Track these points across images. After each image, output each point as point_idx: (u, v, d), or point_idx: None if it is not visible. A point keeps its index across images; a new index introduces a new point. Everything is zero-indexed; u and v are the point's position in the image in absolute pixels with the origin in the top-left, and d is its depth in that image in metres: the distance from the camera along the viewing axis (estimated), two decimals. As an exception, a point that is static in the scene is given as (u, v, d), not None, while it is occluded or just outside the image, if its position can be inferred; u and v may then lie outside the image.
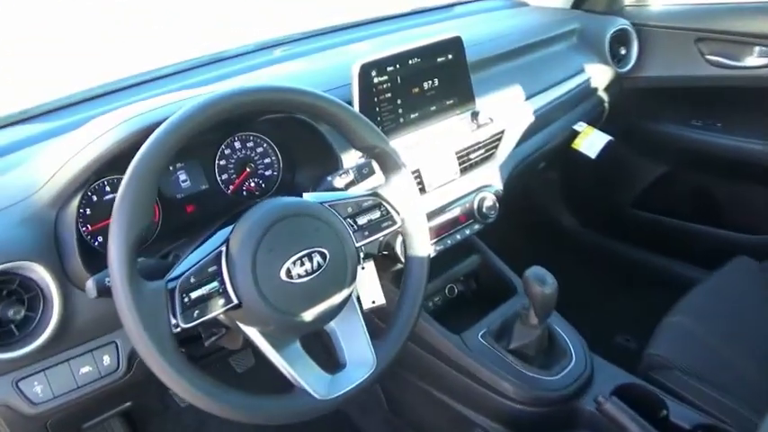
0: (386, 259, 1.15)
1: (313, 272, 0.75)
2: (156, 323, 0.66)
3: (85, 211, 0.90)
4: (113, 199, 0.95)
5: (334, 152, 1.05)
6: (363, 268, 1.02)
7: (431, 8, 1.81)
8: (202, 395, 0.68)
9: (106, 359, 0.85)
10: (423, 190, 1.17)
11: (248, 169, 1.09)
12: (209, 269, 0.72)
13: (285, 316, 0.73)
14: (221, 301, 0.71)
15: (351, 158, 1.05)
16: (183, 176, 1.04)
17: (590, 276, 1.90)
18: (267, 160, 1.12)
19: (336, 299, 0.78)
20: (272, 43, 1.51)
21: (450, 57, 1.18)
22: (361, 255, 0.99)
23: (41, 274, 0.77)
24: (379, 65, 1.08)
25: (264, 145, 1.11)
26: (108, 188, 0.95)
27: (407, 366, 1.30)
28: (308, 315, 0.75)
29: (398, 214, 0.88)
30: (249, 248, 0.72)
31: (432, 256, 1.22)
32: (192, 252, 0.73)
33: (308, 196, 0.83)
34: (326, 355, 0.86)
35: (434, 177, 1.18)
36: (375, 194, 0.87)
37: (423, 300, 0.89)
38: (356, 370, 0.81)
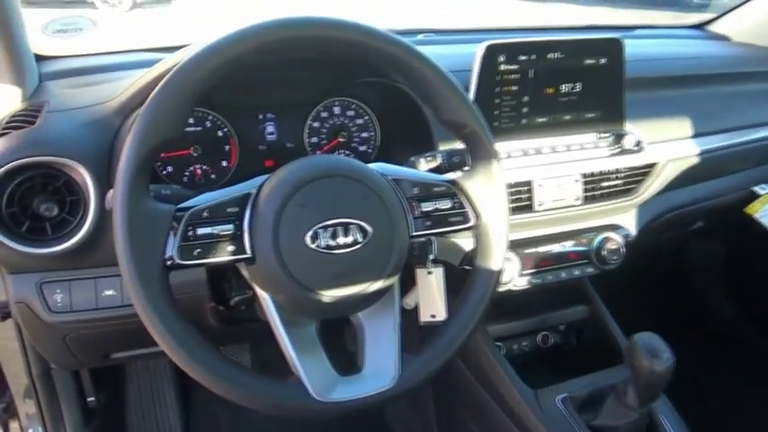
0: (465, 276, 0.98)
1: (346, 246, 0.62)
2: (147, 247, 0.58)
3: None
4: (192, 132, 0.98)
5: (432, 136, 0.91)
6: (431, 273, 0.87)
7: (607, 26, 1.59)
8: (175, 344, 0.58)
9: None
10: (529, 207, 0.98)
11: (341, 138, 1.00)
12: (229, 209, 0.62)
13: (299, 286, 0.61)
14: (231, 248, 0.61)
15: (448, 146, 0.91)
16: (270, 128, 0.97)
17: (729, 374, 1.51)
18: (364, 134, 1.02)
19: (368, 287, 0.64)
20: (418, 31, 1.42)
21: (603, 61, 0.98)
22: (432, 254, 0.85)
23: (86, 178, 0.73)
24: (510, 50, 0.92)
25: (366, 117, 1.01)
26: (191, 120, 0.92)
27: (465, 403, 1.11)
28: (329, 295, 0.62)
29: (475, 213, 0.71)
30: (279, 196, 0.61)
31: (526, 289, 1.04)
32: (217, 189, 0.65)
33: (372, 165, 0.70)
34: (347, 358, 0.72)
35: (548, 196, 0.99)
36: (452, 182, 0.72)
37: (477, 326, 0.71)
38: (371, 379, 0.66)
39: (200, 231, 0.60)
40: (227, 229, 0.62)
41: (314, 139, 0.99)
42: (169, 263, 0.59)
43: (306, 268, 0.62)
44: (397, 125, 0.99)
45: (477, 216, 0.71)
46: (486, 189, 0.72)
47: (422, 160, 0.81)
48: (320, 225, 0.62)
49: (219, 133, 0.94)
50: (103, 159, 0.76)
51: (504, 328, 1.10)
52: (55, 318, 0.78)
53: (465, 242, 0.98)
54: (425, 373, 0.67)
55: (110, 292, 0.79)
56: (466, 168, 0.78)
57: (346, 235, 0.62)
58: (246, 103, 0.95)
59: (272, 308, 0.65)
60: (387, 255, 0.65)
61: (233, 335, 1.09)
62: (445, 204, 0.70)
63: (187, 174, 0.93)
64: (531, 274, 1.02)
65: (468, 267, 0.99)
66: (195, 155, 0.92)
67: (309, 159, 0.67)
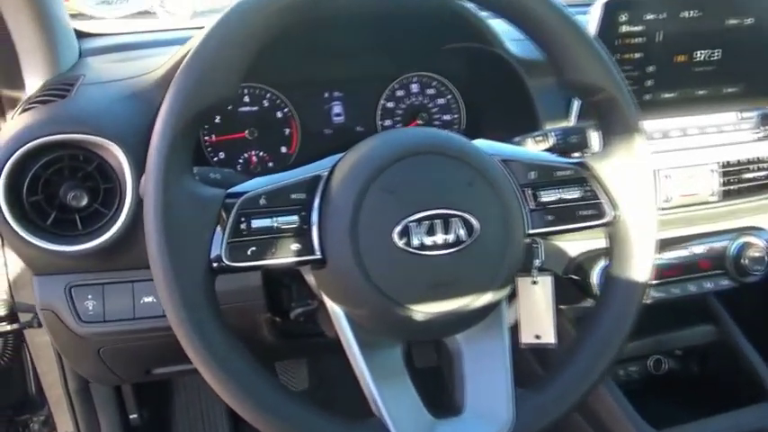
0: (570, 288, 0.81)
1: (446, 246, 0.46)
2: (187, 244, 0.44)
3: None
4: (248, 112, 0.84)
5: (536, 114, 0.74)
6: (536, 282, 0.69)
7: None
8: (223, 374, 0.44)
9: None
10: (654, 203, 0.79)
11: (420, 121, 0.84)
12: (294, 195, 0.47)
13: (383, 298, 0.46)
14: (295, 246, 0.46)
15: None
16: (337, 109, 0.83)
17: None
18: (447, 116, 0.86)
19: (473, 302, 0.48)
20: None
21: (749, 21, 0.78)
22: (538, 259, 0.67)
23: (122, 162, 0.60)
24: (634, 7, 0.74)
25: (449, 96, 0.85)
26: (246, 98, 0.78)
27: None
28: (421, 310, 0.46)
29: (612, 204, 0.54)
30: (360, 179, 0.46)
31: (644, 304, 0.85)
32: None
33: (477, 142, 0.54)
34: (442, 393, 0.56)
35: (677, 190, 0.80)
36: (582, 165, 0.55)
37: (617, 354, 0.54)
38: (476, 423, 0.50)
39: (256, 224, 0.46)
40: (291, 221, 0.47)
41: (387, 122, 0.84)
42: (216, 264, 0.44)
43: (393, 274, 0.46)
44: (487, 104, 0.83)
45: (615, 208, 0.54)
46: (626, 173, 0.54)
47: (529, 140, 0.64)
48: (413, 217, 0.46)
49: (279, 114, 0.80)
50: (144, 140, 0.62)
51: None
52: (87, 329, 0.65)
53: (570, 246, 0.80)
54: (550, 418, 0.50)
55: (149, 299, 0.66)
56: (592, 151, 0.61)
57: (446, 231, 0.46)
58: (310, 79, 0.80)
59: (347, 325, 0.49)
60: (498, 259, 0.48)
61: (291, 350, 0.95)
62: (572, 193, 0.53)
63: (241, 161, 0.79)
64: (652, 285, 0.83)
65: (574, 277, 0.81)
66: (251, 138, 0.78)
67: (397, 132, 0.52)
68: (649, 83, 0.78)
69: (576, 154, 0.62)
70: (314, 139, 0.81)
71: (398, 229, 0.46)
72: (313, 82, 0.81)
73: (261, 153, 0.80)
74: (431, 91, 0.85)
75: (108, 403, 0.97)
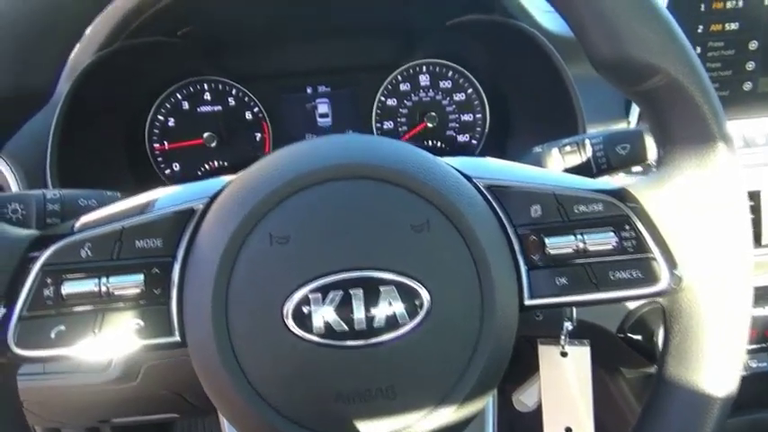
0: (627, 351, 0.58)
1: (370, 332, 0.28)
2: None
3: None
4: (208, 113, 0.62)
5: (576, 113, 0.53)
6: (565, 354, 0.49)
7: None
8: None
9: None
10: (756, 237, 0.55)
11: (429, 123, 0.65)
12: (141, 242, 0.30)
13: (271, 414, 0.28)
14: (136, 323, 0.29)
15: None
16: (322, 108, 0.66)
17: None
18: (467, 117, 0.67)
19: (419, 423, 0.29)
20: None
21: None
22: (570, 322, 0.46)
23: None
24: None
25: (469, 90, 0.66)
26: (206, 95, 0.63)
27: None
28: None
29: (672, 264, 0.32)
30: (235, 220, 0.29)
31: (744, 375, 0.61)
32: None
33: (449, 160, 0.34)
34: None
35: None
36: (621, 194, 0.33)
37: None
38: None
39: (71, 289, 0.29)
40: (132, 282, 0.30)
41: (388, 124, 0.66)
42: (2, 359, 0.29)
43: (282, 377, 0.28)
44: (516, 100, 0.63)
45: (675, 266, 0.32)
46: (697, 209, 0.32)
47: (554, 151, 0.44)
48: (315, 283, 0.28)
49: (248, 115, 0.64)
50: None
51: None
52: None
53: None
54: None
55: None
56: (647, 167, 0.39)
57: (371, 307, 0.28)
58: (287, 69, 0.64)
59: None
60: (462, 354, 0.29)
61: None
62: (602, 241, 0.32)
63: (200, 174, 0.64)
64: (755, 350, 0.60)
65: (634, 337, 0.59)
66: (211, 146, 0.63)
67: (313, 143, 0.33)
68: (750, 66, 0.54)
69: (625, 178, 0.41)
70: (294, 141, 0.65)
71: (292, 302, 0.28)
72: (291, 73, 0.64)
73: (225, 164, 0.64)
74: (445, 84, 0.66)
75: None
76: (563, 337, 0.48)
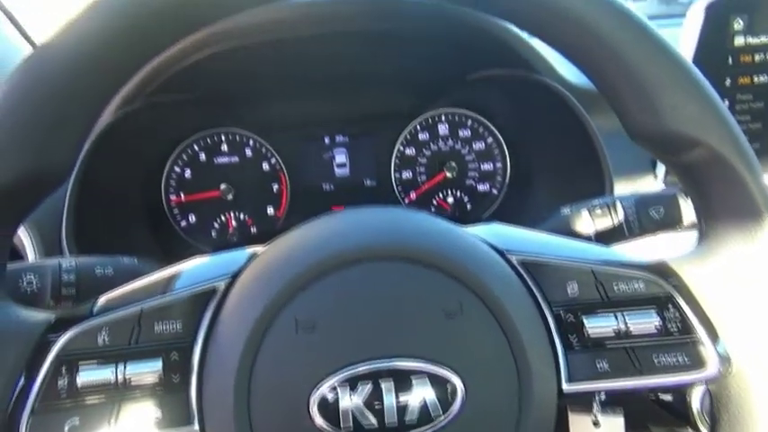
0: (659, 412, 0.56)
1: (402, 427, 0.26)
2: None
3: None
4: (225, 164, 0.60)
5: (603, 167, 0.52)
6: (597, 424, 0.46)
7: None
8: None
9: None
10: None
11: (448, 173, 0.64)
12: (160, 326, 0.29)
13: None
14: (156, 413, 0.28)
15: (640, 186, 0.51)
16: (340, 158, 0.65)
17: None
18: (487, 166, 0.65)
19: None
20: None
21: None
22: (600, 394, 0.44)
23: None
24: (757, 8, 0.50)
25: (489, 139, 0.65)
26: (224, 146, 0.63)
27: None
28: None
29: (721, 350, 0.30)
30: (260, 305, 0.27)
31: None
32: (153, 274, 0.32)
33: (479, 230, 0.33)
34: None
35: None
36: (662, 270, 0.32)
37: None
38: None
39: (86, 378, 0.28)
40: (150, 369, 0.28)
41: (407, 174, 0.65)
42: None
43: None
44: (537, 151, 0.61)
45: (722, 350, 0.30)
46: (744, 287, 0.31)
47: (584, 213, 0.42)
48: (343, 374, 0.26)
49: (265, 166, 0.64)
50: None
51: None
52: None
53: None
54: None
55: None
56: (680, 234, 0.38)
57: (401, 398, 0.26)
58: (304, 119, 0.63)
59: None
60: None
61: None
62: (645, 322, 0.31)
63: (216, 226, 0.63)
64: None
65: (666, 399, 0.56)
66: (228, 198, 0.62)
67: (337, 218, 0.32)
68: (782, 117, 0.53)
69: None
70: (309, 198, 0.64)
71: (319, 393, 0.26)
72: (308, 123, 0.64)
73: (241, 215, 0.63)
74: (465, 132, 0.65)
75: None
76: (595, 405, 0.46)
